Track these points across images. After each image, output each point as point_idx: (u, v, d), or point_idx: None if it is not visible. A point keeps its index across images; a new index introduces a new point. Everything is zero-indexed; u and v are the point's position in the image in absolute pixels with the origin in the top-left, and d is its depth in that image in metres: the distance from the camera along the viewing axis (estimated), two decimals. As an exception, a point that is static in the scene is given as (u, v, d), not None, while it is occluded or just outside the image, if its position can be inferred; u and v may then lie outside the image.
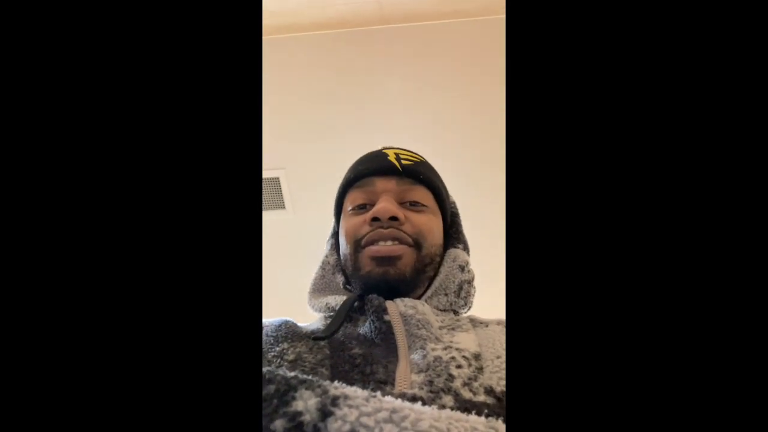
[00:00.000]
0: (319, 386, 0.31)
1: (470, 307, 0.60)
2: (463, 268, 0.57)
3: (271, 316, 0.57)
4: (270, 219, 2.04)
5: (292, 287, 1.65)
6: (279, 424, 0.28)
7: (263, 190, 1.99)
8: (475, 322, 0.52)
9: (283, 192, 1.99)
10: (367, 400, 0.30)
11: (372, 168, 0.58)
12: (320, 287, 0.59)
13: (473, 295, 0.59)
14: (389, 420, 0.29)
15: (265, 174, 1.95)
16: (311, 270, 0.62)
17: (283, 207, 2.02)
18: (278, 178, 1.96)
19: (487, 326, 0.51)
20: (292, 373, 0.32)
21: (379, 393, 0.32)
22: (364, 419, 0.29)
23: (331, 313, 0.53)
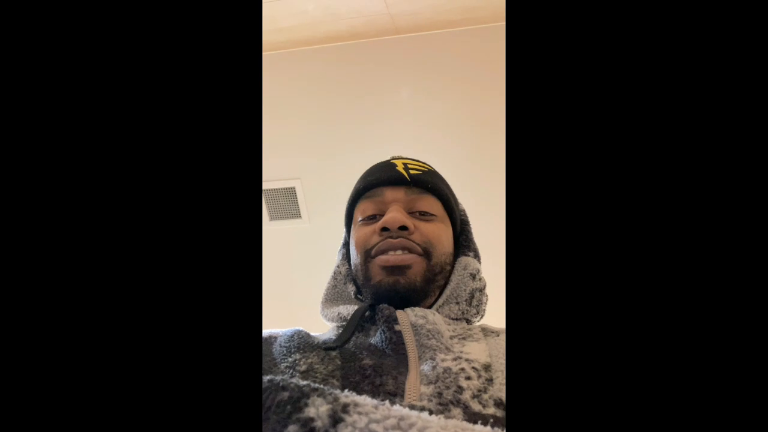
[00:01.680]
0: (331, 394, 0.32)
1: (482, 316, 0.59)
2: (474, 276, 0.57)
3: (287, 323, 0.58)
4: (287, 228, 2.07)
5: (308, 295, 1.66)
6: (292, 429, 0.30)
7: (280, 200, 2.02)
8: (486, 332, 0.52)
9: (299, 201, 2.02)
10: (376, 407, 0.32)
11: (381, 178, 0.59)
12: (332, 297, 0.59)
13: (485, 303, 0.59)
14: (397, 427, 0.30)
15: (282, 184, 1.98)
16: (327, 278, 0.62)
17: (299, 216, 2.05)
18: (294, 188, 1.99)
19: (498, 336, 0.50)
20: (305, 382, 0.33)
21: (387, 402, 0.32)
22: (373, 426, 0.30)
23: (343, 323, 0.54)
